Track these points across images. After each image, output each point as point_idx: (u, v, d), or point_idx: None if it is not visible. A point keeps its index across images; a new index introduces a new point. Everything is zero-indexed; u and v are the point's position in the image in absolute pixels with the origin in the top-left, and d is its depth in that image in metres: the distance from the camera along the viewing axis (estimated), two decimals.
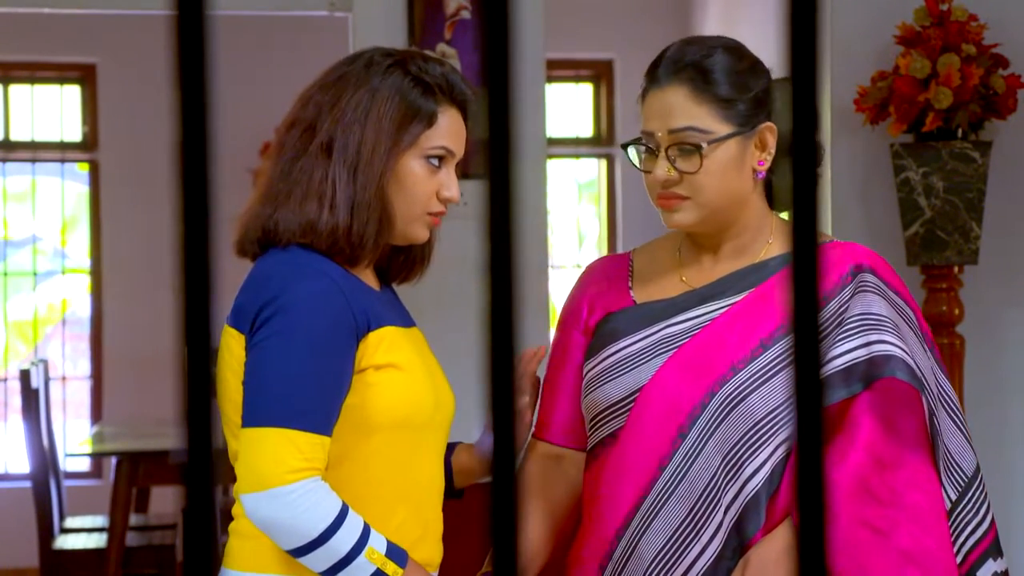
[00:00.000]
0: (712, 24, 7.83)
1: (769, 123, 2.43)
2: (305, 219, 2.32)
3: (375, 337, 2.32)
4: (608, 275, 2.56)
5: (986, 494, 2.44)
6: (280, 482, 2.21)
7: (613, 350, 2.46)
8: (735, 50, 2.44)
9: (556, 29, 6.26)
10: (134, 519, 6.66)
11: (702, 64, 2.40)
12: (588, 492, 2.47)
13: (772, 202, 2.52)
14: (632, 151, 2.46)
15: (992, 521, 2.44)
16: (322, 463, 2.25)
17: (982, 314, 4.73)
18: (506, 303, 0.84)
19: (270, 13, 6.91)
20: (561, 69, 8.65)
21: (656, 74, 2.42)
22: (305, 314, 2.25)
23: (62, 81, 8.82)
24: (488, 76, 0.83)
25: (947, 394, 2.45)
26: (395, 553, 2.26)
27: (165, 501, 7.56)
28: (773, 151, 2.44)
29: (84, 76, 8.78)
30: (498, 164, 0.83)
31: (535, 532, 2.47)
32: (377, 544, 2.25)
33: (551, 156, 7.65)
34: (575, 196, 9.08)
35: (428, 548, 2.39)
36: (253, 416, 2.23)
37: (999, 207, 4.68)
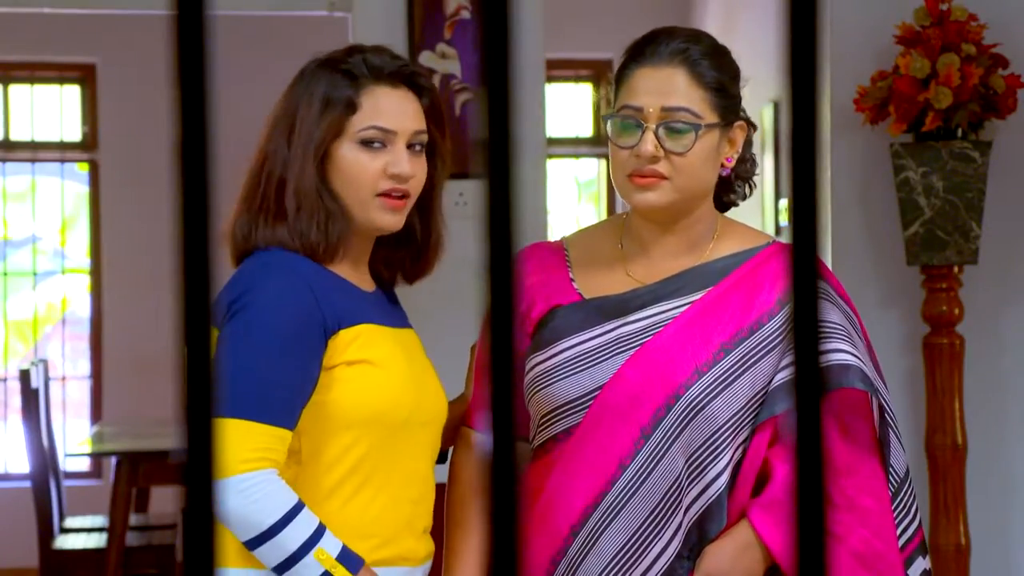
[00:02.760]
0: (712, 24, 7.83)
1: (742, 122, 2.49)
2: (268, 231, 2.38)
3: (348, 334, 2.33)
4: (545, 265, 2.54)
5: (915, 495, 2.50)
6: (234, 471, 2.23)
7: (564, 346, 2.46)
8: (721, 47, 2.50)
9: (556, 29, 6.26)
10: (134, 519, 6.66)
11: (695, 49, 2.44)
12: (534, 486, 2.46)
13: (725, 205, 2.57)
14: (611, 123, 2.46)
15: (920, 521, 2.50)
16: (280, 456, 2.27)
17: (982, 314, 4.73)
18: (506, 303, 0.84)
19: (270, 13, 6.91)
20: (561, 69, 8.65)
21: (648, 52, 2.45)
22: (268, 309, 2.29)
23: (62, 81, 8.82)
24: (488, 76, 0.83)
25: (885, 399, 2.48)
26: (348, 559, 2.27)
27: (165, 501, 7.56)
28: (740, 149, 2.49)
29: (84, 76, 8.78)
30: (498, 164, 0.83)
31: (483, 530, 2.46)
32: (329, 546, 2.26)
33: (551, 156, 7.66)
34: (575, 196, 9.09)
35: (410, 542, 2.40)
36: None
37: (999, 207, 4.68)
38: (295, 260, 2.35)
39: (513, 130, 0.83)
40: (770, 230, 6.50)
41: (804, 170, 0.84)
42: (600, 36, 8.55)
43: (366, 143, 2.39)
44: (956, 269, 4.57)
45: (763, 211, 6.71)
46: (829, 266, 4.70)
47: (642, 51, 2.46)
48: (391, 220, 2.40)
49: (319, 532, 2.25)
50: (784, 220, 6.34)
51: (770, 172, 6.54)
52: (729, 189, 2.54)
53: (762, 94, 6.36)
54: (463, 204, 5.14)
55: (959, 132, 4.50)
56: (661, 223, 2.48)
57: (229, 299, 2.30)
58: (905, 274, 4.70)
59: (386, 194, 2.39)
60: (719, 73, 2.44)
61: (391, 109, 2.41)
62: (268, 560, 2.25)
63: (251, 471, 2.23)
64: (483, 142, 0.83)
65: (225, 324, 2.30)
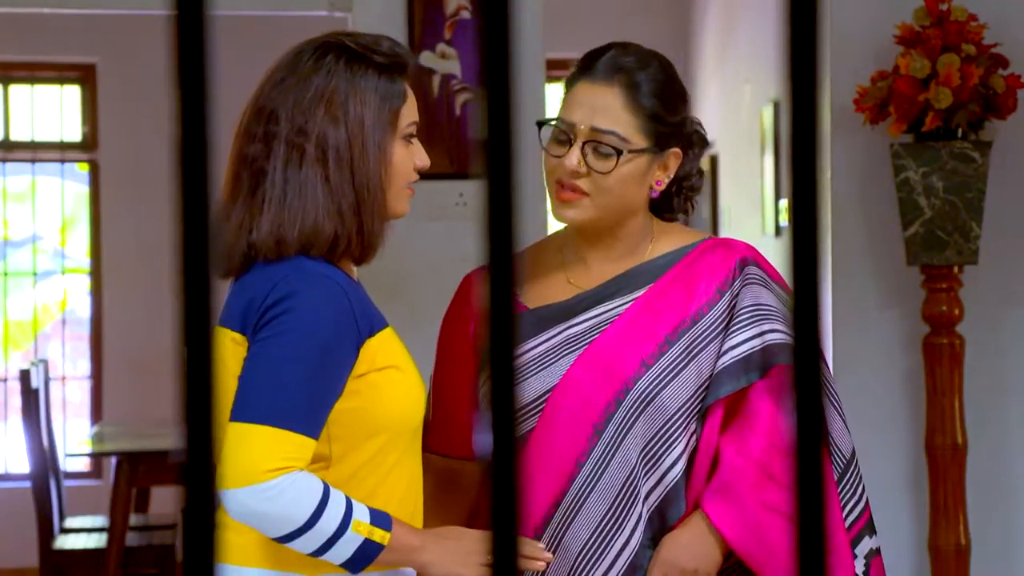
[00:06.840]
0: (712, 24, 7.83)
1: (676, 149, 2.53)
2: (314, 229, 2.31)
3: (375, 341, 2.33)
4: None
5: (861, 476, 2.54)
6: (263, 479, 2.20)
7: None
8: (670, 68, 2.54)
9: (556, 29, 6.26)
10: (134, 519, 6.66)
11: (640, 73, 2.48)
12: None
13: (668, 208, 2.61)
14: (544, 131, 2.52)
15: (867, 501, 2.54)
16: (304, 463, 2.25)
17: (982, 314, 4.73)
18: (506, 303, 0.84)
19: (270, 13, 6.92)
20: (561, 69, 8.65)
21: (591, 68, 2.50)
22: (311, 318, 2.26)
23: (62, 81, 8.82)
24: (488, 76, 0.83)
25: (828, 380, 2.54)
26: (379, 519, 2.26)
27: (165, 501, 7.56)
28: (672, 174, 2.54)
29: (84, 76, 8.78)
30: (498, 164, 0.83)
31: None
32: (361, 515, 2.25)
33: None
34: None
35: None
36: (242, 411, 2.23)
37: (999, 207, 4.68)
38: (326, 267, 2.32)
39: (513, 130, 0.83)
40: (770, 230, 6.50)
41: (804, 170, 0.84)
42: (600, 36, 8.53)
43: (407, 137, 2.40)
44: (956, 269, 4.57)
45: (763, 211, 6.71)
46: (829, 266, 4.71)
47: (590, 63, 2.51)
48: (408, 208, 2.43)
49: (349, 506, 2.24)
50: (784, 220, 6.34)
51: (770, 172, 6.54)
52: (667, 207, 2.59)
53: (762, 94, 6.35)
54: (463, 204, 5.14)
55: (959, 132, 4.50)
56: (588, 238, 2.54)
57: (267, 304, 2.26)
58: (905, 274, 4.70)
59: (410, 184, 2.42)
60: (658, 99, 2.48)
61: (414, 101, 2.43)
62: (305, 548, 2.23)
63: (279, 477, 2.21)
64: (483, 142, 0.83)
65: (262, 328, 2.26)
